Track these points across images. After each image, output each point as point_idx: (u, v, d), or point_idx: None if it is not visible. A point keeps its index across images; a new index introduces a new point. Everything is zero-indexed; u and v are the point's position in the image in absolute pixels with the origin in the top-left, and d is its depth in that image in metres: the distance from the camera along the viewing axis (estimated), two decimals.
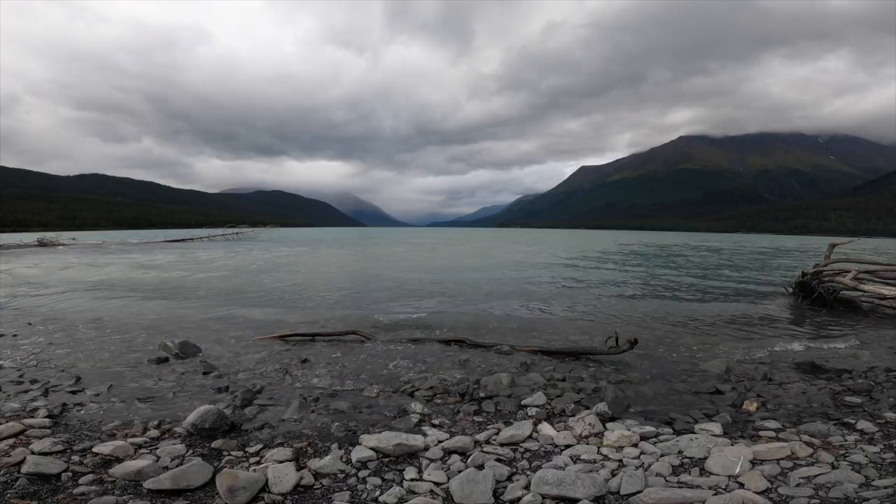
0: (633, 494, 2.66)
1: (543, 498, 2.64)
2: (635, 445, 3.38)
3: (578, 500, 2.60)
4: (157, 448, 3.33)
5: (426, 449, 3.35)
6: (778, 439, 3.45)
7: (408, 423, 3.91)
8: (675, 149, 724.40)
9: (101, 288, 13.27)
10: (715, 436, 3.53)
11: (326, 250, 33.82)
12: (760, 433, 3.62)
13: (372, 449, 3.28)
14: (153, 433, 3.62)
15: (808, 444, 3.34)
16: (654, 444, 3.42)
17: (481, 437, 3.61)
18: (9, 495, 2.64)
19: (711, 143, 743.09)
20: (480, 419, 4.08)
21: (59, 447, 3.24)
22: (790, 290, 11.83)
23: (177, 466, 3.02)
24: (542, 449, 3.40)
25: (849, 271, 10.44)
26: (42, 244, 37.12)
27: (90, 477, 2.89)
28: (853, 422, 3.79)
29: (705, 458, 3.11)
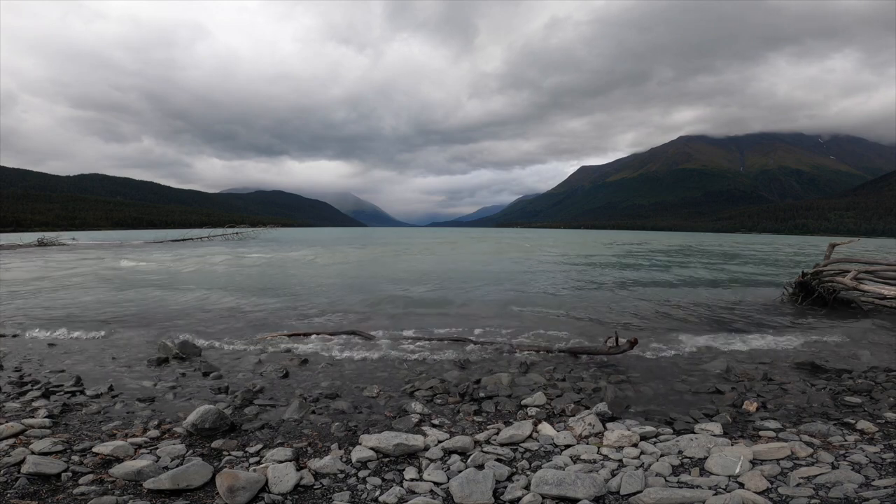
0: (633, 494, 2.67)
1: (543, 498, 2.64)
2: (635, 445, 3.38)
3: (578, 500, 2.60)
4: (157, 448, 3.33)
5: (426, 449, 3.35)
6: (778, 439, 3.45)
7: (408, 423, 3.91)
8: (675, 149, 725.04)
9: (102, 288, 13.27)
10: (715, 436, 3.53)
11: (327, 250, 33.82)
12: (760, 433, 3.62)
13: (372, 449, 3.28)
14: (153, 433, 3.62)
15: (808, 444, 3.34)
16: (654, 444, 3.43)
17: (481, 437, 3.61)
18: (9, 495, 2.64)
19: (711, 143, 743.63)
20: (480, 419, 4.09)
21: (59, 447, 3.24)
22: (790, 290, 11.82)
23: (177, 466, 3.02)
24: (542, 449, 3.40)
25: (848, 271, 10.43)
26: (42, 244, 37.16)
27: (90, 477, 2.89)
28: (853, 422, 3.79)
29: (705, 458, 3.11)
